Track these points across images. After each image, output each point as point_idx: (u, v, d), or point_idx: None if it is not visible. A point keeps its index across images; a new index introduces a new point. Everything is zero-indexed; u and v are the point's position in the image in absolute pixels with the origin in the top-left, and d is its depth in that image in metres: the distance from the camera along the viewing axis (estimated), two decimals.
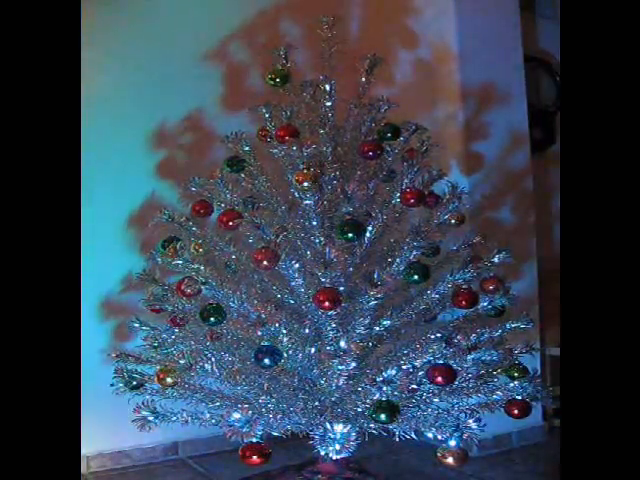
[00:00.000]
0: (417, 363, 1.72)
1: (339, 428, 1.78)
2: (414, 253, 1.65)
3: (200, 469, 2.34)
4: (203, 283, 1.73)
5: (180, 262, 1.72)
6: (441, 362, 1.65)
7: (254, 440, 1.61)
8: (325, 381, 1.77)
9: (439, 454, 1.67)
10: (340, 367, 1.72)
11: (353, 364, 1.73)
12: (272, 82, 1.94)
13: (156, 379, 1.80)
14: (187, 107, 2.52)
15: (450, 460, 1.65)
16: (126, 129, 2.41)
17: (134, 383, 1.84)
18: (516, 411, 1.74)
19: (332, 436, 1.77)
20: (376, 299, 1.66)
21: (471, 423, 1.64)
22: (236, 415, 1.74)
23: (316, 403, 1.78)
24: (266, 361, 1.57)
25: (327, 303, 1.60)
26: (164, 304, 1.89)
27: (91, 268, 2.13)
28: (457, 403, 1.74)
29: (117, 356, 1.92)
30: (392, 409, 1.57)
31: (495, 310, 1.82)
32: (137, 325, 1.91)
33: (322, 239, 1.79)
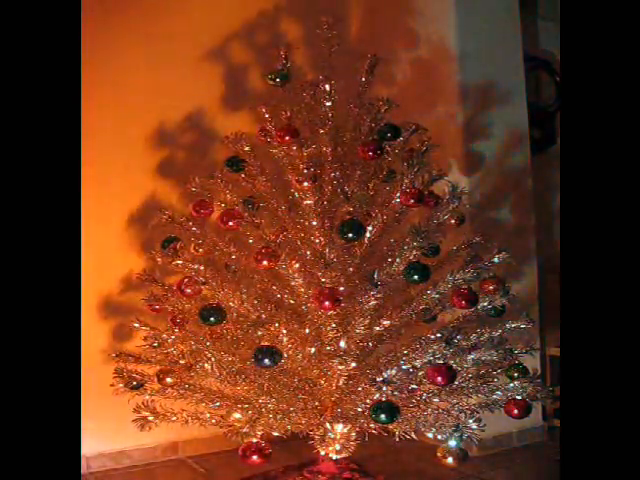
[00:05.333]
0: (417, 363, 1.72)
1: (339, 428, 1.78)
2: (414, 253, 1.65)
3: (200, 469, 2.34)
4: (203, 283, 1.73)
5: (180, 262, 1.72)
6: (441, 362, 1.65)
7: (254, 440, 1.62)
8: (325, 381, 1.77)
9: (439, 454, 1.67)
10: (340, 367, 1.72)
11: (353, 364, 1.73)
12: (272, 82, 1.94)
13: (156, 379, 1.80)
14: (187, 107, 2.52)
15: (450, 460, 1.65)
16: (126, 129, 2.41)
17: (134, 383, 1.84)
18: (516, 411, 1.74)
19: (332, 436, 1.77)
20: (376, 299, 1.66)
21: (471, 423, 1.64)
22: (236, 415, 1.74)
23: (316, 403, 1.79)
24: (266, 361, 1.57)
25: (327, 303, 1.61)
26: (164, 304, 1.89)
27: (91, 268, 2.13)
28: (457, 403, 1.74)
29: (117, 356, 1.92)
30: (392, 409, 1.57)
31: (495, 310, 1.82)
32: (137, 325, 1.91)
33: (322, 239, 1.79)
